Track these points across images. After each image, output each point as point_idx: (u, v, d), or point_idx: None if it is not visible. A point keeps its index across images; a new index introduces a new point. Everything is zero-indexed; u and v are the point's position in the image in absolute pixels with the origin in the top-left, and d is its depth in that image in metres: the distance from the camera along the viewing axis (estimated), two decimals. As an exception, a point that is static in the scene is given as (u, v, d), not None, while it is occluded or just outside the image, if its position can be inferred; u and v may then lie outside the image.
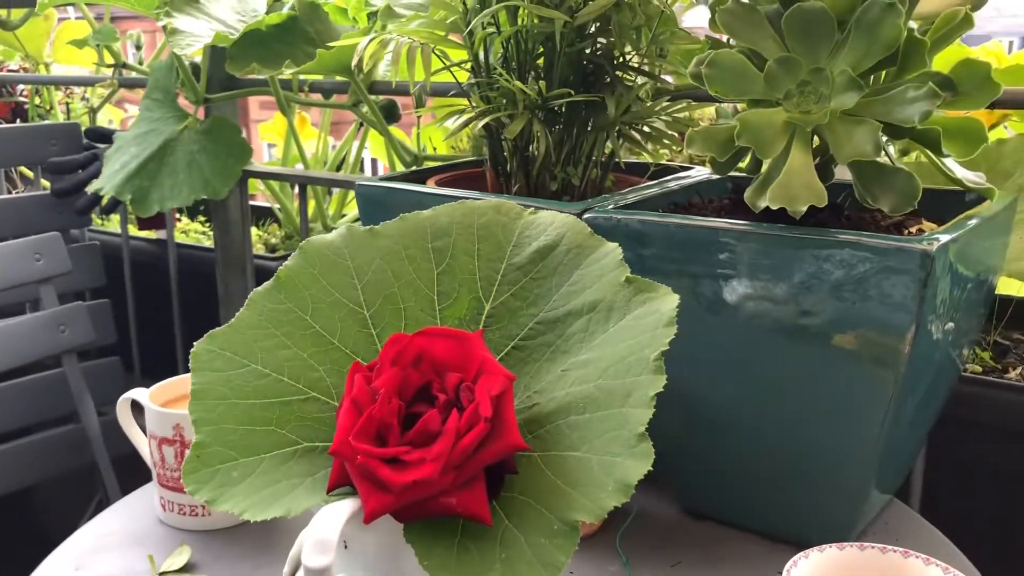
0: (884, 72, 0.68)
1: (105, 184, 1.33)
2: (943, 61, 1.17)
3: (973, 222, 0.71)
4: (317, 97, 1.37)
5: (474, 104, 0.90)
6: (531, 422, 0.53)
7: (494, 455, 0.49)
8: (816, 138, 0.69)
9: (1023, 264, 0.84)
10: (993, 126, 1.11)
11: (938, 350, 0.70)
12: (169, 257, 1.60)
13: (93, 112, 1.76)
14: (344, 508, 0.47)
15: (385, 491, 0.47)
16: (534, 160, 0.90)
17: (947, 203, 0.79)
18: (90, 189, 1.36)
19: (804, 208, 0.63)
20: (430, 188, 0.89)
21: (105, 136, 1.58)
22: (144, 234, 1.71)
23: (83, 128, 1.62)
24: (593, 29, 0.89)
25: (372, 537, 0.51)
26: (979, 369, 1.13)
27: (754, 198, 0.67)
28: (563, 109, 0.89)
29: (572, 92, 0.86)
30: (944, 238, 0.64)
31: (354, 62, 0.87)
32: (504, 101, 0.87)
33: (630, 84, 0.90)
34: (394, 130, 1.37)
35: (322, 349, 0.56)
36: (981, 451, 1.01)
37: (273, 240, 1.74)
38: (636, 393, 0.50)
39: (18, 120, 2.01)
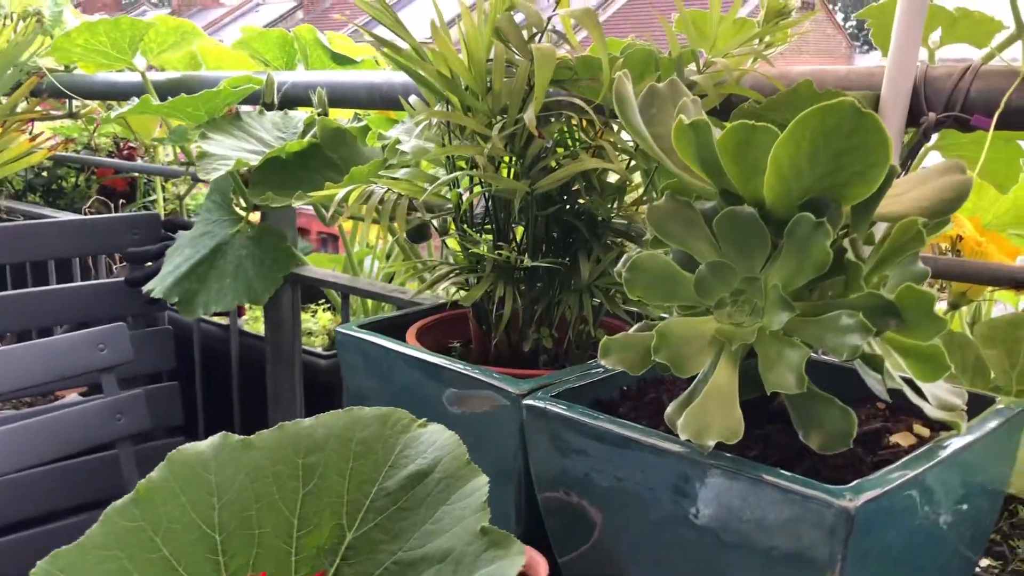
0: (829, 283, 0.61)
1: (157, 285, 1.38)
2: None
3: (947, 451, 0.62)
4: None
5: (452, 260, 0.87)
6: None
7: None
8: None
9: (1035, 480, 0.74)
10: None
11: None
12: (231, 347, 1.65)
13: (179, 199, 1.85)
14: None
15: None
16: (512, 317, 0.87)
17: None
18: (145, 288, 1.41)
19: (712, 443, 0.57)
20: (400, 346, 0.86)
21: (182, 227, 1.65)
22: (216, 319, 1.77)
23: (162, 218, 1.70)
24: (577, 187, 0.85)
25: None
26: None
27: (674, 417, 0.61)
28: (540, 269, 0.85)
29: (542, 254, 0.83)
30: (882, 487, 0.56)
31: (330, 212, 0.86)
32: (475, 261, 0.84)
33: (611, 244, 0.85)
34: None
35: (165, 577, 0.55)
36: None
37: (339, 330, 1.76)
38: None
39: (121, 199, 2.15)
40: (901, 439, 0.69)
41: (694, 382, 0.63)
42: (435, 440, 0.58)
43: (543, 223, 0.85)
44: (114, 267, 2.02)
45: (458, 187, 0.85)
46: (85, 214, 2.08)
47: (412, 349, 0.85)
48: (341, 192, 0.87)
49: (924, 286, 0.66)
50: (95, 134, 2.21)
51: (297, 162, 1.17)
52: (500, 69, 0.80)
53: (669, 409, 0.62)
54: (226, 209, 1.41)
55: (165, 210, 1.98)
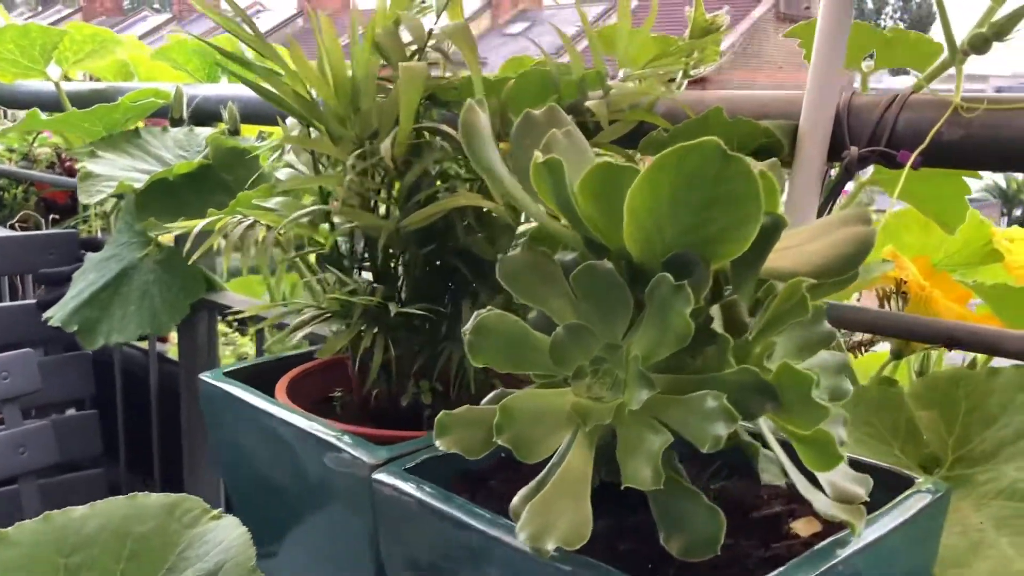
0: (712, 349, 0.51)
1: (57, 312, 1.29)
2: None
3: (849, 549, 0.53)
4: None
5: (320, 303, 0.78)
6: None
7: None
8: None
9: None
10: None
11: None
12: (151, 374, 1.55)
13: (106, 216, 1.76)
14: None
15: None
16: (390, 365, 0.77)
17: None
18: (45, 315, 1.32)
19: (552, 548, 0.48)
20: (256, 397, 0.76)
21: (99, 246, 1.55)
22: (139, 343, 1.67)
23: (84, 237, 1.61)
24: (466, 224, 0.76)
25: None
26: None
27: (519, 509, 0.51)
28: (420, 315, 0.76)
29: (423, 297, 0.73)
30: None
31: (186, 248, 0.77)
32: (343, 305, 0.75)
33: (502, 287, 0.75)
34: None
35: None
36: None
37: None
38: None
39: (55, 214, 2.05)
40: (803, 527, 0.59)
41: (547, 466, 0.53)
42: (222, 540, 0.49)
43: (423, 262, 0.75)
44: (39, 289, 1.93)
45: (328, 221, 0.76)
46: (16, 229, 1.98)
47: (268, 402, 0.75)
48: (199, 225, 0.77)
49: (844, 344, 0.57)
50: (34, 144, 2.12)
51: (187, 185, 1.07)
52: (371, 89, 0.71)
53: (515, 499, 0.53)
54: (135, 230, 1.32)
55: (98, 228, 1.89)
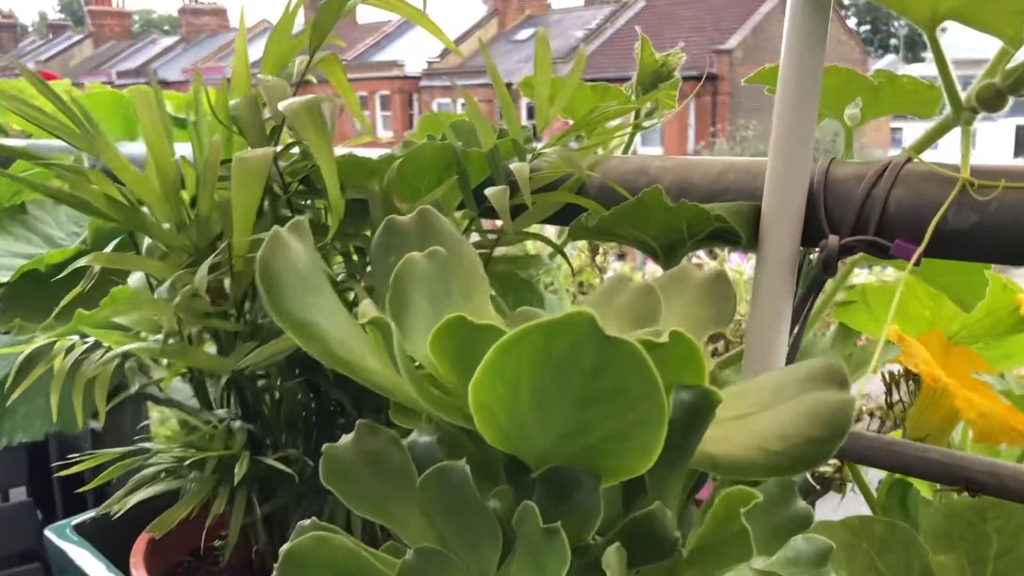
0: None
1: (-44, 409, 1.14)
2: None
3: None
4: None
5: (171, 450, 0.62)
6: None
7: None
8: None
9: None
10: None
11: None
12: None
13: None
14: None
15: None
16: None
17: None
18: (-56, 412, 1.17)
19: None
20: (93, 561, 0.61)
21: (24, 322, 1.40)
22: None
23: None
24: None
25: None
26: None
27: None
28: (300, 461, 0.60)
29: (302, 437, 0.58)
30: None
31: (8, 384, 0.62)
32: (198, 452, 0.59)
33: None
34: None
35: None
36: None
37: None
38: None
39: None
40: None
41: None
42: None
43: (297, 393, 0.60)
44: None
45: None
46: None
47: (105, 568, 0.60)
48: (27, 350, 0.62)
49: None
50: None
51: (63, 277, 0.93)
52: (209, 184, 0.55)
53: None
54: (48, 311, 1.16)
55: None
